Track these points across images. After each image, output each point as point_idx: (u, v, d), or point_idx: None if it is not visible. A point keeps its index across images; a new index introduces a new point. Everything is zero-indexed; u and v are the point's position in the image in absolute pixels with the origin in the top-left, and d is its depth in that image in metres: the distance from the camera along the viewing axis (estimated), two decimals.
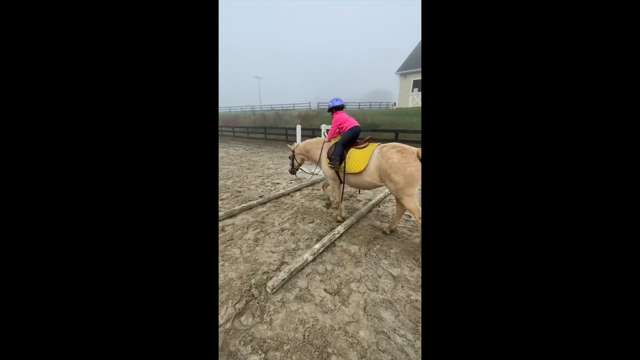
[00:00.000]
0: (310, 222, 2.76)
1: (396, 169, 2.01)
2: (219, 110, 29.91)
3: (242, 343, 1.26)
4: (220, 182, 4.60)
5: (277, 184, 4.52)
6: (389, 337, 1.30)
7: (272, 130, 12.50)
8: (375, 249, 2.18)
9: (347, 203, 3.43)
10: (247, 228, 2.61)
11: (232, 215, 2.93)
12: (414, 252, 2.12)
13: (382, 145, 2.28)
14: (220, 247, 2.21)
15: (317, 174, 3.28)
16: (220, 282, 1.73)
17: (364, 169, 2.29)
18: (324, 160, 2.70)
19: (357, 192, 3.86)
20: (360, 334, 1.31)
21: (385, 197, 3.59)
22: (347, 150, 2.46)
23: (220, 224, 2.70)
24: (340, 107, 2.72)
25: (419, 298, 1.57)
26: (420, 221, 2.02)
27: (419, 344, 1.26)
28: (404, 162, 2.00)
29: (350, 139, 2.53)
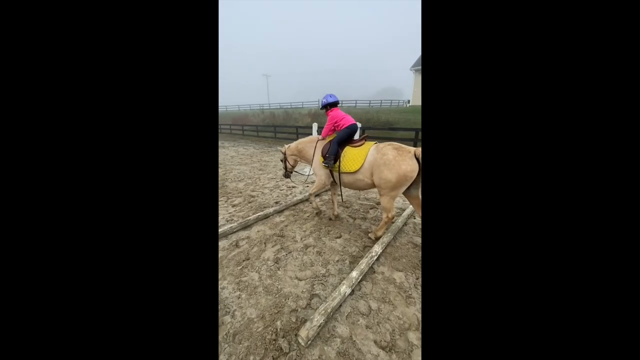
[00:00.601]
0: (337, 237, 2.36)
1: (390, 165, 1.94)
2: (228, 109, 30.06)
3: None
4: (231, 185, 4.26)
5: (293, 187, 4.14)
6: None
7: (283, 128, 12.16)
8: None
9: (376, 213, 3.00)
10: (265, 243, 2.24)
11: (246, 226, 2.57)
12: None
13: (378, 143, 2.19)
14: (235, 270, 1.84)
15: (312, 174, 3.10)
16: (237, 324, 1.36)
17: (360, 168, 2.17)
18: (317, 159, 2.55)
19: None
20: None
21: None
22: (343, 148, 2.34)
23: (234, 237, 2.34)
24: (335, 104, 2.53)
25: None
26: (387, 220, 2.09)
27: None
28: (399, 159, 1.91)
29: (347, 138, 2.39)
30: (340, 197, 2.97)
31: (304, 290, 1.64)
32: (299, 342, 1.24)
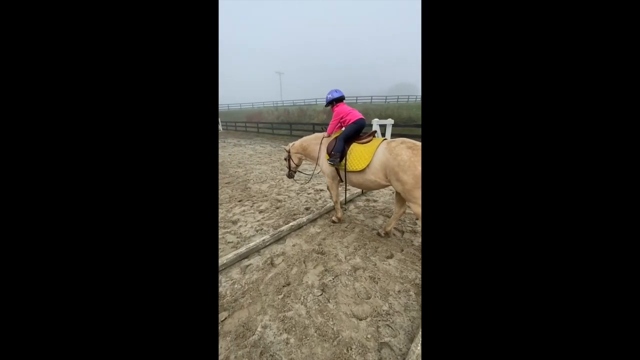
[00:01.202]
0: (388, 257, 1.98)
1: (405, 167, 1.76)
2: (242, 107, 30.27)
3: None
4: (255, 187, 3.99)
5: (321, 190, 3.79)
6: None
7: (298, 126, 11.85)
8: None
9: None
10: (305, 262, 1.90)
11: (280, 238, 2.25)
12: None
13: (389, 140, 1.99)
14: (276, 300, 1.52)
15: (318, 174, 2.96)
16: None
17: (367, 166, 2.01)
18: (323, 157, 2.41)
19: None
20: None
21: None
22: (349, 145, 2.18)
23: (268, 253, 2.03)
24: (340, 99, 2.40)
25: None
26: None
27: None
28: (414, 159, 1.73)
29: (353, 133, 2.24)
30: (345, 198, 2.78)
31: (368, 334, 1.28)
32: None
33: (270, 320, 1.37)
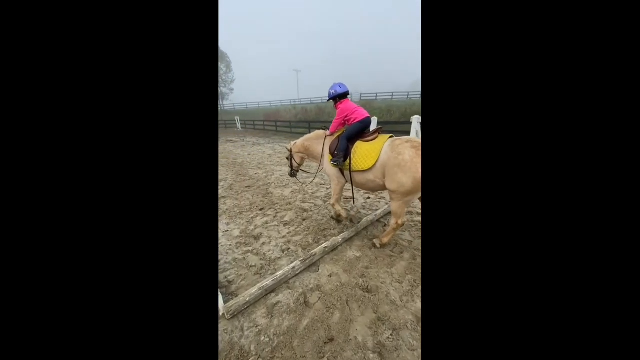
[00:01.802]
0: None
1: (406, 168, 1.62)
2: (260, 105, 30.52)
3: None
4: (276, 192, 3.62)
5: (351, 198, 3.32)
6: None
7: (317, 124, 11.44)
8: None
9: None
10: (348, 304, 1.46)
11: (312, 265, 1.83)
12: None
13: (395, 138, 1.88)
14: None
15: (321, 174, 2.71)
16: None
17: (373, 166, 1.86)
18: (327, 157, 2.27)
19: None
20: None
21: None
22: (353, 144, 2.04)
23: (300, 286, 1.61)
24: (344, 95, 2.20)
25: None
26: (395, 226, 1.88)
27: None
28: (417, 161, 1.59)
29: (357, 133, 2.08)
30: (352, 200, 2.57)
31: None
32: None
33: None
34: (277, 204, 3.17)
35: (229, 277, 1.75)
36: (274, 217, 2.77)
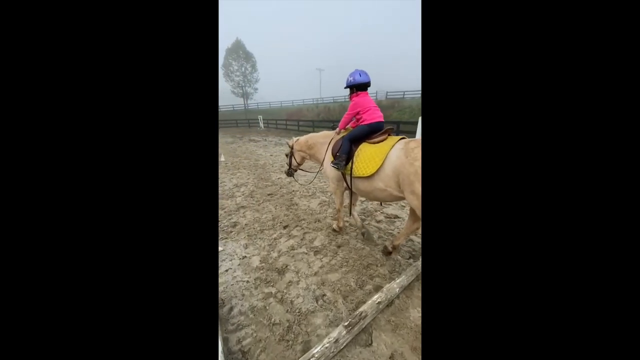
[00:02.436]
0: None
1: None
2: (283, 105, 30.61)
3: None
4: (302, 203, 3.11)
5: (395, 217, 2.67)
6: None
7: None
8: None
9: None
10: None
11: (361, 331, 1.25)
12: None
13: (408, 139, 1.56)
14: None
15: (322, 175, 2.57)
16: None
17: (376, 172, 1.58)
18: (328, 158, 2.00)
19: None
20: None
21: None
22: (357, 145, 1.78)
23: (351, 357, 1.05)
24: (363, 86, 1.82)
25: None
26: (414, 229, 1.71)
27: None
28: None
29: (362, 137, 1.79)
30: (352, 208, 2.16)
31: None
32: None
33: None
34: (303, 220, 2.65)
35: (243, 342, 1.24)
36: (301, 239, 2.24)
